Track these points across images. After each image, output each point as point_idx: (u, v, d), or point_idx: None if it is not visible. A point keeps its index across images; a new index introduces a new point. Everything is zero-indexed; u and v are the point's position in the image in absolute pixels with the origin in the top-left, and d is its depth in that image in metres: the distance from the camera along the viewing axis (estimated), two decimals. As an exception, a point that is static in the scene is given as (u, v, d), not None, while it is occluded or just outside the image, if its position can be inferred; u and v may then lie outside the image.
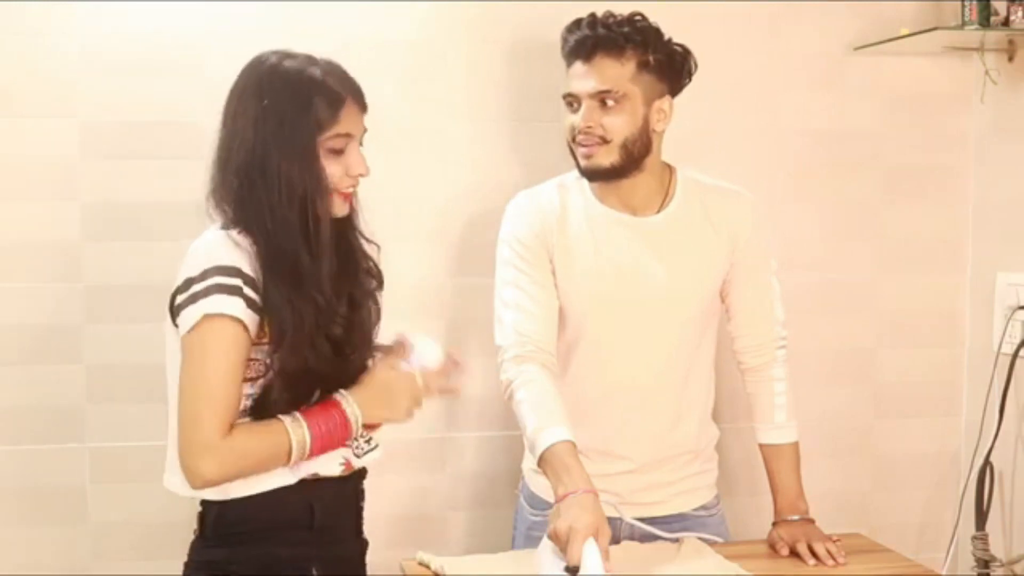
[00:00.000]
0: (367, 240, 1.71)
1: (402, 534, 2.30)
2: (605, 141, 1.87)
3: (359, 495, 1.71)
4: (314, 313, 1.54)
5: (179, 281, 1.54)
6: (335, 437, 1.58)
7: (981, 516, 2.37)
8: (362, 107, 1.62)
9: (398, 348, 1.67)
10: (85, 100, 2.15)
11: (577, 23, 1.90)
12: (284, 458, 1.54)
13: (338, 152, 1.59)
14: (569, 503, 1.67)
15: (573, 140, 1.91)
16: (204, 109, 2.11)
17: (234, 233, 1.55)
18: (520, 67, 2.31)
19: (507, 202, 2.02)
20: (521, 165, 2.31)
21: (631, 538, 1.93)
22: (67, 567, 2.21)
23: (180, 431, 1.52)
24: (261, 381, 1.55)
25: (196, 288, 1.51)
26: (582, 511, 1.65)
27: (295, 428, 1.54)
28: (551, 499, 1.74)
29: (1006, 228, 2.45)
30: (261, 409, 1.55)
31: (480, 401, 2.34)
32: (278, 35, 2.14)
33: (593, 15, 1.89)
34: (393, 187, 2.22)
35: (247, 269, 1.52)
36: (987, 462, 2.36)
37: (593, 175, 1.92)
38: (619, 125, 1.87)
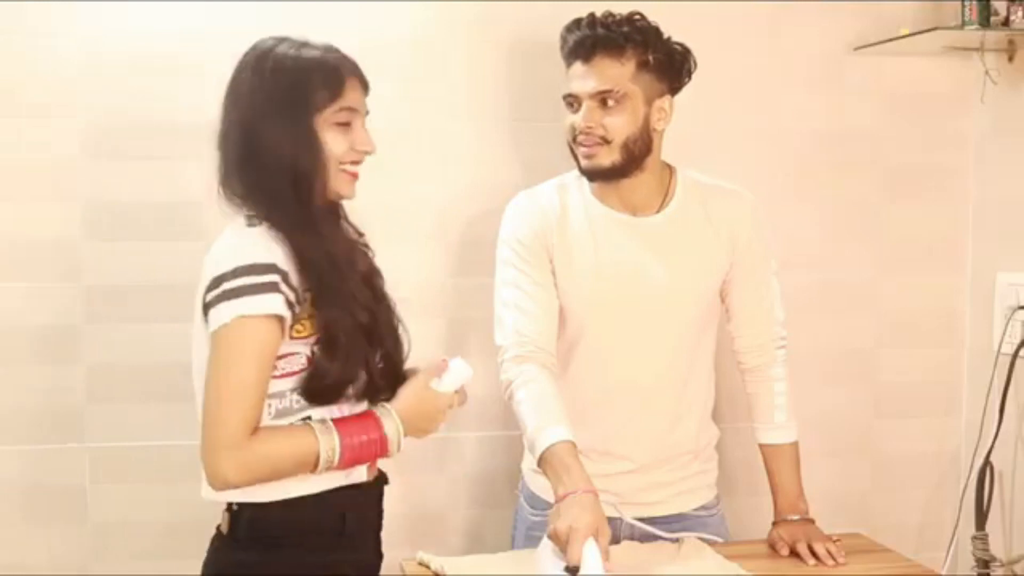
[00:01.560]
0: (358, 233, 1.70)
1: (402, 534, 2.30)
2: (606, 141, 1.87)
3: (380, 502, 1.70)
4: (350, 300, 1.55)
5: (208, 279, 1.50)
6: (368, 451, 1.56)
7: (981, 516, 2.37)
8: (364, 85, 1.63)
9: (434, 367, 1.65)
10: (85, 100, 2.15)
11: (576, 23, 1.90)
12: (310, 466, 1.52)
13: (344, 125, 1.58)
14: (569, 503, 1.67)
15: (574, 140, 1.91)
16: (204, 109, 2.11)
17: (264, 229, 1.53)
18: (520, 67, 2.31)
19: (507, 202, 2.02)
20: (521, 165, 2.31)
21: (631, 538, 1.93)
22: (67, 567, 2.21)
23: (204, 431, 1.49)
24: (303, 374, 1.53)
25: (227, 286, 1.47)
26: (582, 511, 1.65)
27: (325, 436, 1.51)
28: (551, 499, 1.74)
29: (1006, 228, 2.45)
30: (313, 392, 1.53)
31: (480, 401, 2.33)
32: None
33: (592, 15, 1.89)
34: (393, 187, 2.22)
35: (283, 265, 1.49)
36: (987, 462, 2.36)
37: (594, 175, 1.92)
38: (620, 125, 1.87)
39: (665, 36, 1.90)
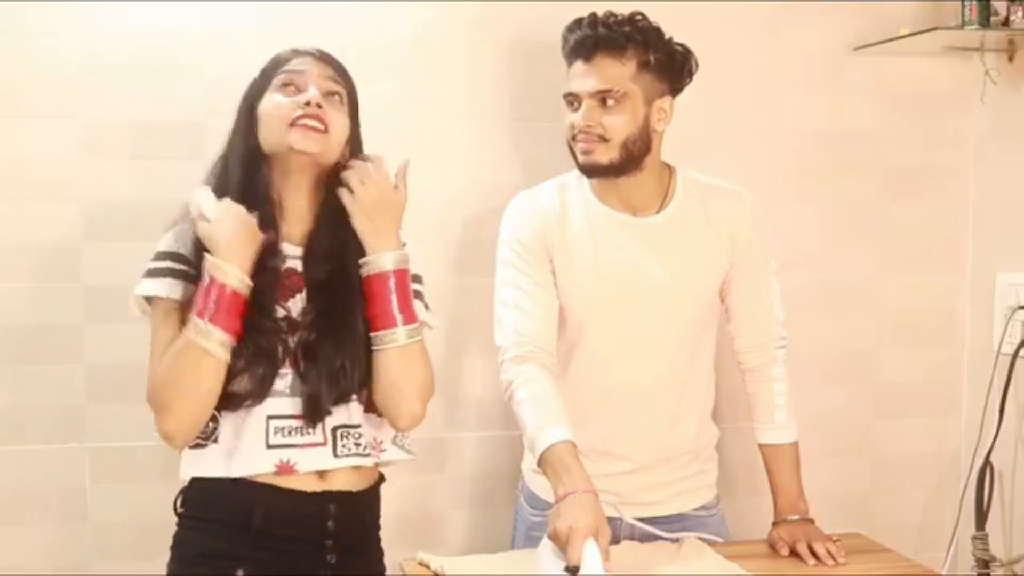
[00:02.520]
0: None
1: (402, 534, 2.30)
2: (605, 140, 1.88)
3: (326, 515, 1.65)
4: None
5: None
6: (218, 298, 1.55)
7: (981, 516, 2.37)
8: (322, 60, 1.66)
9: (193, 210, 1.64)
10: (85, 100, 2.15)
11: (578, 22, 1.90)
12: (198, 353, 1.54)
13: (286, 87, 1.63)
14: (569, 503, 1.67)
15: (573, 139, 1.91)
16: (204, 109, 2.13)
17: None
18: (520, 67, 2.31)
19: (507, 202, 2.02)
20: (521, 165, 2.31)
21: (631, 538, 1.93)
22: (67, 567, 2.21)
23: None
24: None
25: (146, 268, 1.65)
26: (582, 511, 1.65)
27: (189, 327, 1.56)
28: (551, 499, 1.74)
29: (1006, 228, 2.45)
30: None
31: (480, 401, 2.34)
32: (278, 35, 2.15)
33: (594, 14, 1.89)
34: (393, 187, 2.22)
35: (185, 251, 1.62)
36: (987, 462, 2.36)
37: (591, 171, 1.92)
38: (619, 124, 1.87)
39: (667, 37, 1.90)
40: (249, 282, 1.58)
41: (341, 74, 1.68)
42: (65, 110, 2.14)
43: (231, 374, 1.58)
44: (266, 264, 1.62)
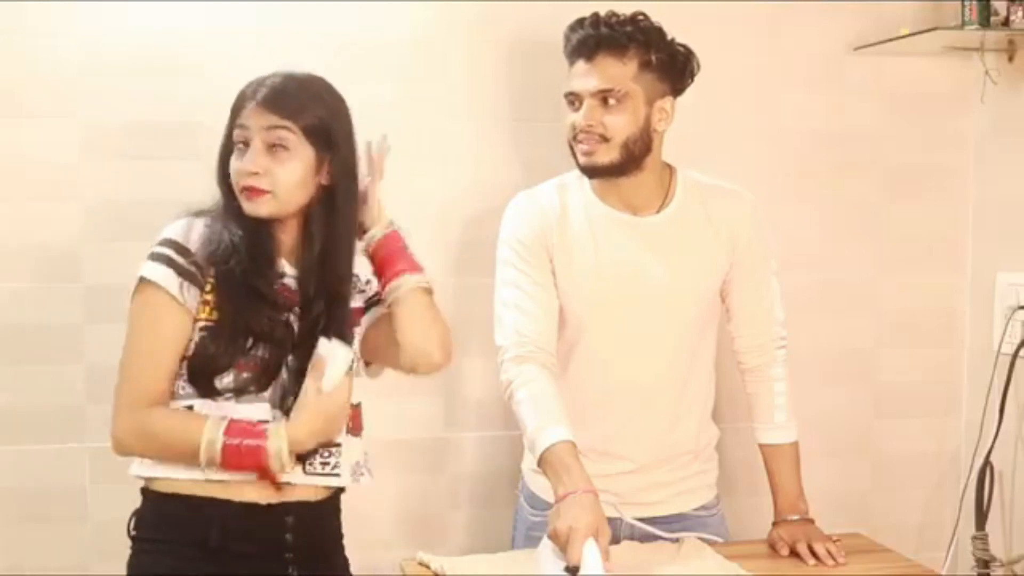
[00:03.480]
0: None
1: (402, 534, 2.30)
2: (605, 139, 1.87)
3: (283, 527, 1.65)
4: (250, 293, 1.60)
5: None
6: (250, 458, 1.55)
7: (981, 516, 2.37)
8: (265, 107, 1.61)
9: (315, 368, 1.62)
10: (85, 100, 2.15)
11: (580, 22, 1.90)
12: (194, 454, 1.54)
13: (239, 144, 1.63)
14: (569, 503, 1.67)
15: (574, 138, 1.91)
16: (204, 109, 2.13)
17: (201, 218, 1.65)
18: (520, 67, 2.31)
19: (507, 202, 2.02)
20: (521, 165, 2.31)
21: (631, 538, 1.93)
22: (67, 567, 2.21)
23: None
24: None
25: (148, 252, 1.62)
26: (582, 511, 1.65)
27: (212, 428, 1.55)
28: (551, 499, 1.74)
29: (1006, 228, 2.45)
30: (191, 373, 1.59)
31: (480, 401, 2.34)
32: (278, 35, 2.16)
33: (596, 14, 1.89)
34: (393, 187, 2.21)
35: (188, 243, 1.60)
36: (987, 462, 2.36)
37: (592, 172, 1.92)
38: (620, 124, 1.87)
39: (669, 37, 1.90)
40: (288, 463, 1.58)
41: (293, 112, 1.61)
42: (65, 110, 2.15)
43: (218, 361, 1.58)
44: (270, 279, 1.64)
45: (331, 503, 1.72)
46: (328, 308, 1.65)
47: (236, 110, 1.64)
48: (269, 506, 1.62)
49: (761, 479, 2.07)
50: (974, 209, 2.53)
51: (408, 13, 2.26)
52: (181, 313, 1.59)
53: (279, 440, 1.56)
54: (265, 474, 1.58)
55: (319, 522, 1.70)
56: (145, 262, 1.61)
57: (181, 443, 1.56)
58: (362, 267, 1.73)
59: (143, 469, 1.64)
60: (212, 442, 1.54)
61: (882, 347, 2.54)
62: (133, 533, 1.66)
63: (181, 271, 1.59)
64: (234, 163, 1.62)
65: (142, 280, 1.61)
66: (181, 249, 1.60)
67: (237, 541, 1.60)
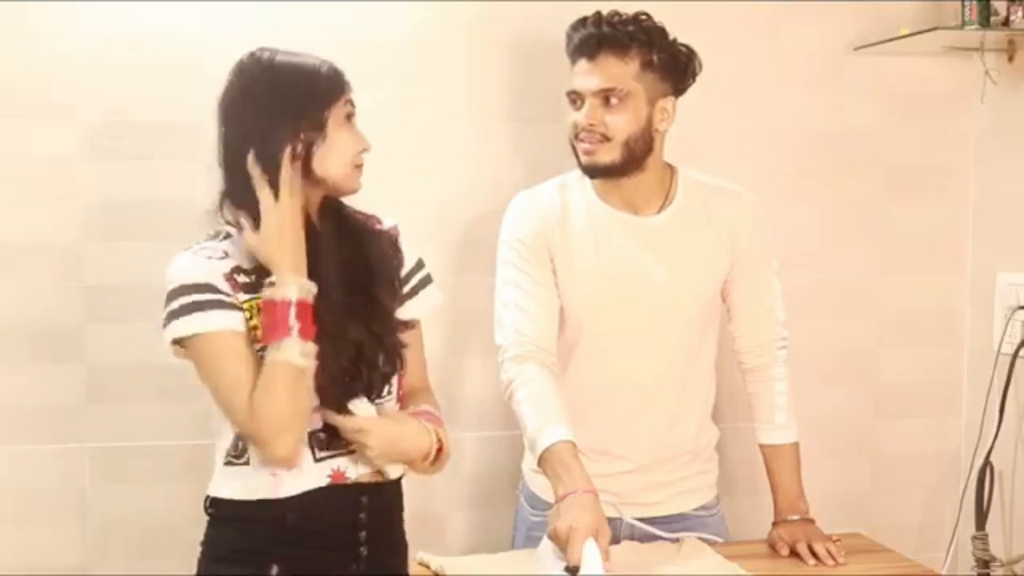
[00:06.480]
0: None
1: (402, 534, 2.30)
2: (607, 139, 1.87)
3: (358, 507, 1.64)
4: None
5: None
6: (274, 320, 1.52)
7: (981, 516, 2.37)
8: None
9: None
10: (85, 100, 2.15)
11: (582, 21, 1.90)
12: (289, 368, 1.50)
13: (350, 118, 1.59)
14: (569, 503, 1.67)
15: (575, 137, 1.91)
16: (204, 109, 2.10)
17: (227, 241, 1.59)
18: (520, 67, 2.31)
19: (507, 202, 2.02)
20: (521, 165, 2.31)
21: (631, 538, 1.93)
22: (67, 567, 2.21)
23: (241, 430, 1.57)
24: None
25: (179, 303, 1.53)
26: (582, 511, 1.65)
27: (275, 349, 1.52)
28: (551, 499, 1.74)
29: (1006, 228, 2.45)
30: None
31: (480, 401, 2.34)
32: (278, 35, 2.14)
33: (599, 13, 1.89)
34: (393, 187, 2.21)
35: (217, 281, 1.54)
36: (987, 462, 2.36)
37: (593, 172, 1.92)
38: (621, 123, 1.87)
39: (671, 37, 1.90)
40: (310, 286, 1.55)
41: None
42: (65, 110, 2.15)
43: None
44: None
45: (398, 484, 1.71)
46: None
47: (337, 79, 1.58)
48: (345, 486, 1.62)
49: (761, 479, 2.07)
50: (974, 209, 2.53)
51: (408, 13, 2.26)
52: (240, 341, 1.55)
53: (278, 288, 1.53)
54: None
55: (388, 503, 1.70)
56: (175, 322, 1.54)
57: (281, 381, 1.51)
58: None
59: (231, 490, 1.60)
60: (281, 346, 1.50)
61: (882, 347, 2.54)
62: (211, 511, 1.64)
63: (220, 304, 1.54)
64: (351, 137, 1.59)
65: (196, 335, 1.53)
66: (208, 288, 1.55)
67: (314, 520, 1.60)
